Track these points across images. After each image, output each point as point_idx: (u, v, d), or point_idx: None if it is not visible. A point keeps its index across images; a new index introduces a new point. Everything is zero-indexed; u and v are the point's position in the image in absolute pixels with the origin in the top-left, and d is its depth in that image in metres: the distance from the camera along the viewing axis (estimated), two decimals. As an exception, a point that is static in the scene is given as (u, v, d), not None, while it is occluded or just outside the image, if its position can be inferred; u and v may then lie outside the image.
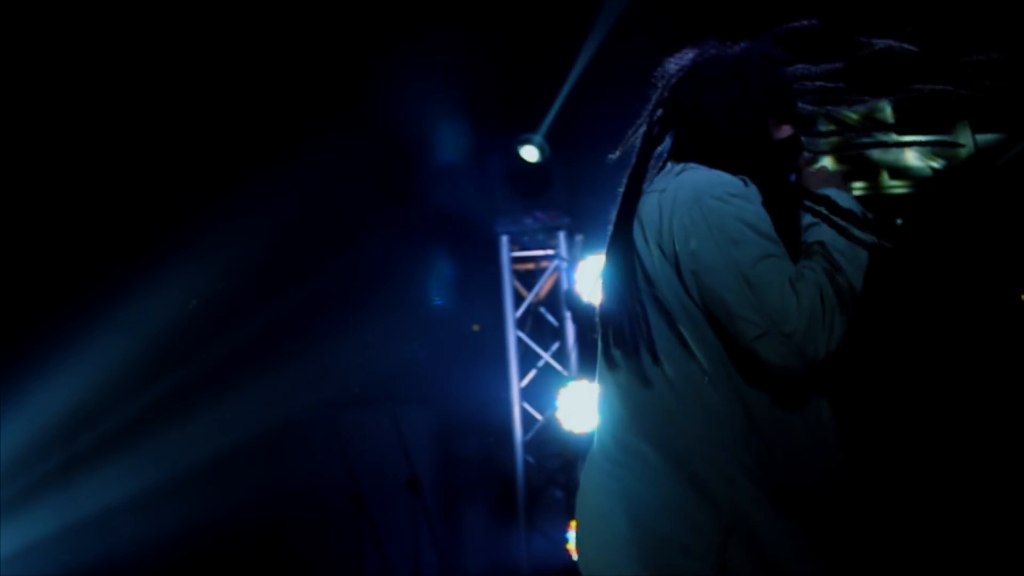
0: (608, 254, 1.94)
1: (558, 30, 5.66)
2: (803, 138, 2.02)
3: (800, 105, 2.02)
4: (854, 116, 4.04)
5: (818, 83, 1.96)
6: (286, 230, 5.94)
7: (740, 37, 2.05)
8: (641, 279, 1.85)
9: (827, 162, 3.75)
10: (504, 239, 6.55)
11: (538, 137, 6.16)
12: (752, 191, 1.83)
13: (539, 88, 6.02)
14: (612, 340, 1.90)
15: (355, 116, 6.09)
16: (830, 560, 1.77)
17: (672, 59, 2.05)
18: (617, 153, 2.09)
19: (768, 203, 1.84)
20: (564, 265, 6.45)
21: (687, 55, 2.04)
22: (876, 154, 3.22)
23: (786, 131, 1.96)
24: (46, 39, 5.37)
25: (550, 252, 6.62)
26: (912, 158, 3.43)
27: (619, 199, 1.94)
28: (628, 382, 1.86)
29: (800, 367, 1.69)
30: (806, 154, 2.02)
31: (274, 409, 6.13)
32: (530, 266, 6.76)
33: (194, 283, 5.89)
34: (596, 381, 2.00)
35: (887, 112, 3.60)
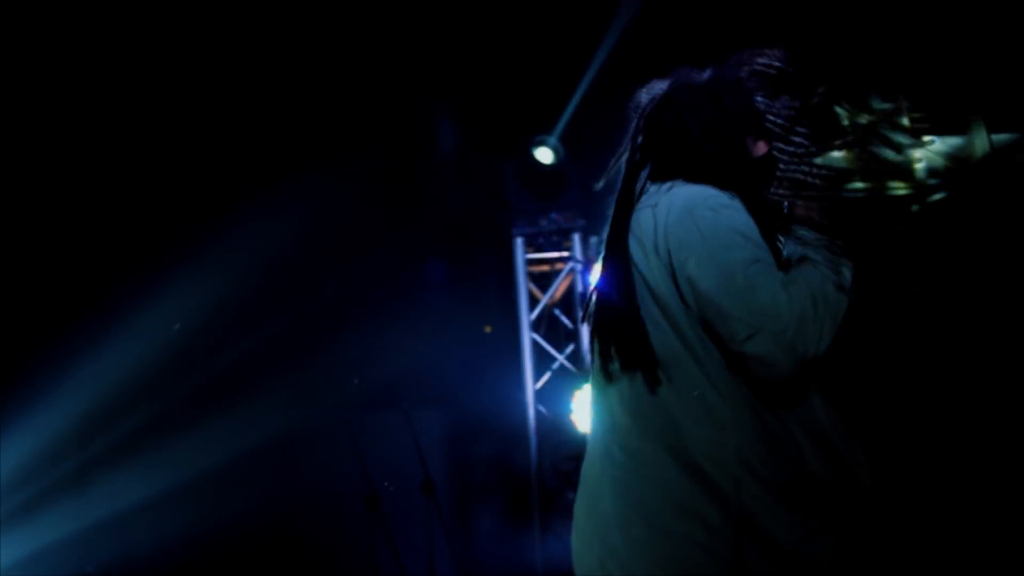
0: (604, 271, 2.04)
1: (573, 31, 5.66)
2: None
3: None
4: (869, 117, 4.00)
5: (778, 122, 2.06)
6: (301, 234, 5.97)
7: (717, 58, 2.20)
8: (643, 290, 1.94)
9: (839, 158, 3.71)
10: (519, 241, 6.54)
11: (553, 139, 6.15)
12: (738, 203, 1.94)
13: (554, 90, 6.02)
14: (611, 352, 1.98)
15: (369, 119, 6.10)
16: (837, 541, 1.84)
17: (643, 90, 2.18)
18: (601, 183, 2.22)
19: (753, 216, 1.94)
20: (579, 267, 6.44)
21: (658, 85, 2.17)
22: (889, 154, 3.20)
23: (762, 148, 2.05)
24: (63, 66, 5.45)
25: (565, 254, 6.61)
26: (926, 159, 3.40)
27: (610, 220, 2.06)
28: (630, 391, 1.93)
29: (790, 365, 1.77)
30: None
31: (289, 411, 6.15)
32: (545, 268, 6.74)
33: (210, 287, 5.92)
34: (592, 393, 2.07)
35: (899, 113, 3.56)
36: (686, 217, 1.88)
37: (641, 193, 2.08)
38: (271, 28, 5.50)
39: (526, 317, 6.48)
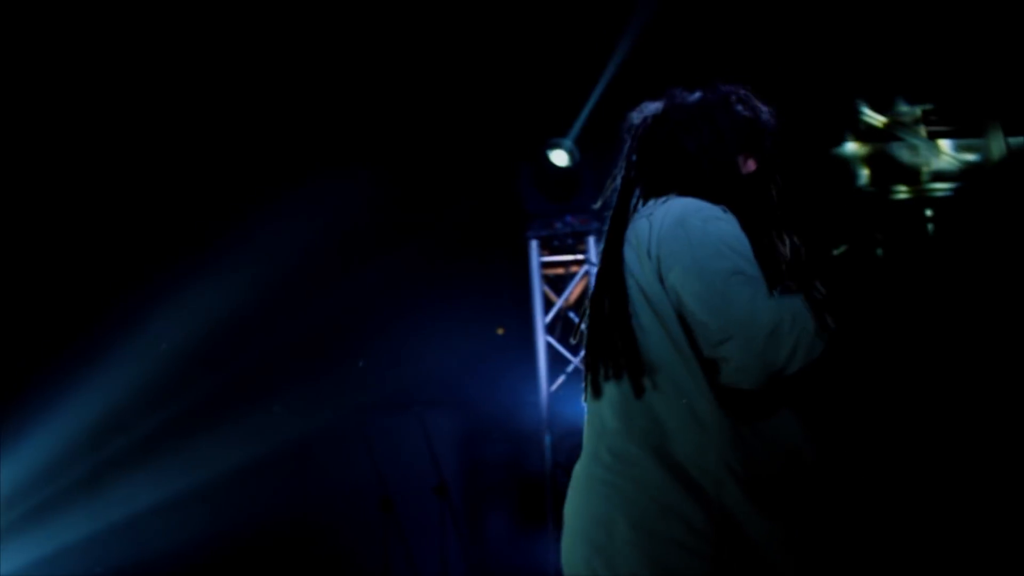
0: (599, 280, 2.13)
1: (588, 34, 5.66)
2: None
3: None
4: (884, 120, 3.99)
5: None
6: (315, 238, 5.99)
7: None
8: (638, 296, 2.02)
9: (855, 162, 3.71)
10: (534, 244, 6.53)
11: (568, 141, 6.14)
12: (731, 217, 2.03)
13: (569, 92, 6.01)
14: (602, 357, 2.06)
15: (383, 122, 6.11)
16: (807, 551, 1.90)
17: (635, 112, 2.30)
18: (599, 202, 2.36)
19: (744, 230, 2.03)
20: (594, 270, 6.40)
21: (649, 106, 2.29)
22: (906, 158, 3.20)
23: (752, 165, 2.20)
24: (75, 77, 5.50)
25: (580, 257, 6.60)
26: (943, 161, 3.38)
27: (606, 234, 2.17)
28: (619, 395, 2.01)
29: (757, 374, 1.84)
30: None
31: (303, 414, 6.16)
32: (560, 271, 6.74)
33: (225, 291, 5.94)
34: (584, 401, 2.15)
35: (918, 116, 3.54)
36: (678, 226, 1.98)
37: (635, 209, 2.19)
38: (283, 31, 5.52)
39: (541, 320, 6.47)
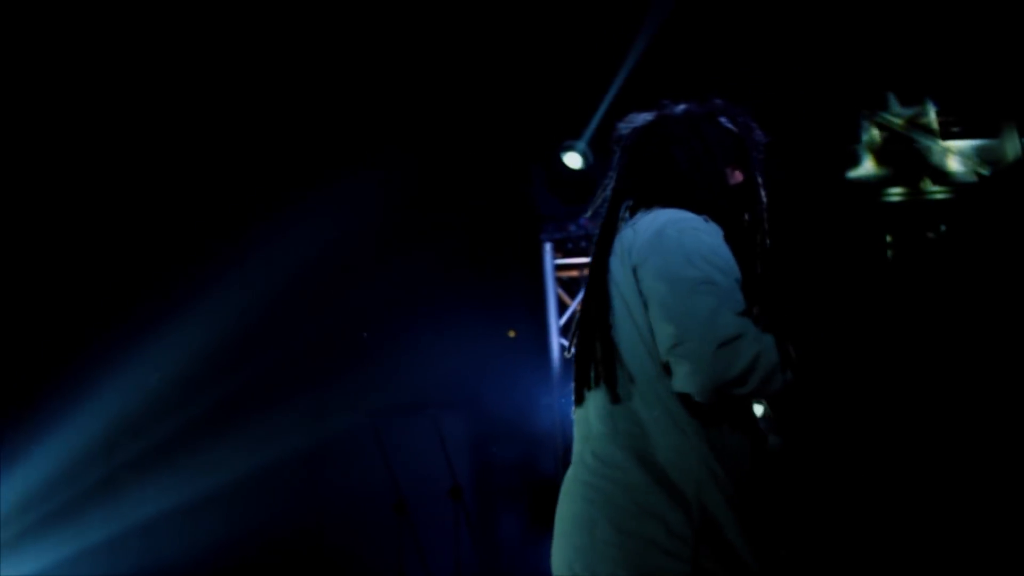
0: (587, 290, 2.18)
1: (602, 36, 5.66)
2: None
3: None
4: (898, 121, 3.97)
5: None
6: (327, 242, 6.01)
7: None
8: (620, 305, 2.06)
9: (868, 162, 3.69)
10: (547, 246, 6.52)
11: (581, 143, 6.13)
12: (713, 228, 2.08)
13: (582, 94, 6.01)
14: (588, 364, 2.11)
15: (396, 124, 6.13)
16: (785, 550, 1.98)
17: (622, 123, 2.35)
18: (589, 212, 2.35)
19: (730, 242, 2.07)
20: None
21: (638, 117, 2.34)
22: (919, 159, 3.18)
23: (739, 177, 2.26)
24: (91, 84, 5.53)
25: (594, 259, 6.58)
26: (956, 163, 3.36)
27: (595, 244, 2.21)
28: (603, 401, 2.06)
29: (705, 382, 1.85)
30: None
31: (317, 418, 6.18)
32: (574, 273, 6.73)
33: (239, 295, 5.97)
34: (574, 408, 2.21)
35: (931, 117, 3.53)
36: (655, 236, 2.03)
37: (624, 219, 2.23)
38: (291, 33, 5.55)
39: (555, 322, 6.46)
